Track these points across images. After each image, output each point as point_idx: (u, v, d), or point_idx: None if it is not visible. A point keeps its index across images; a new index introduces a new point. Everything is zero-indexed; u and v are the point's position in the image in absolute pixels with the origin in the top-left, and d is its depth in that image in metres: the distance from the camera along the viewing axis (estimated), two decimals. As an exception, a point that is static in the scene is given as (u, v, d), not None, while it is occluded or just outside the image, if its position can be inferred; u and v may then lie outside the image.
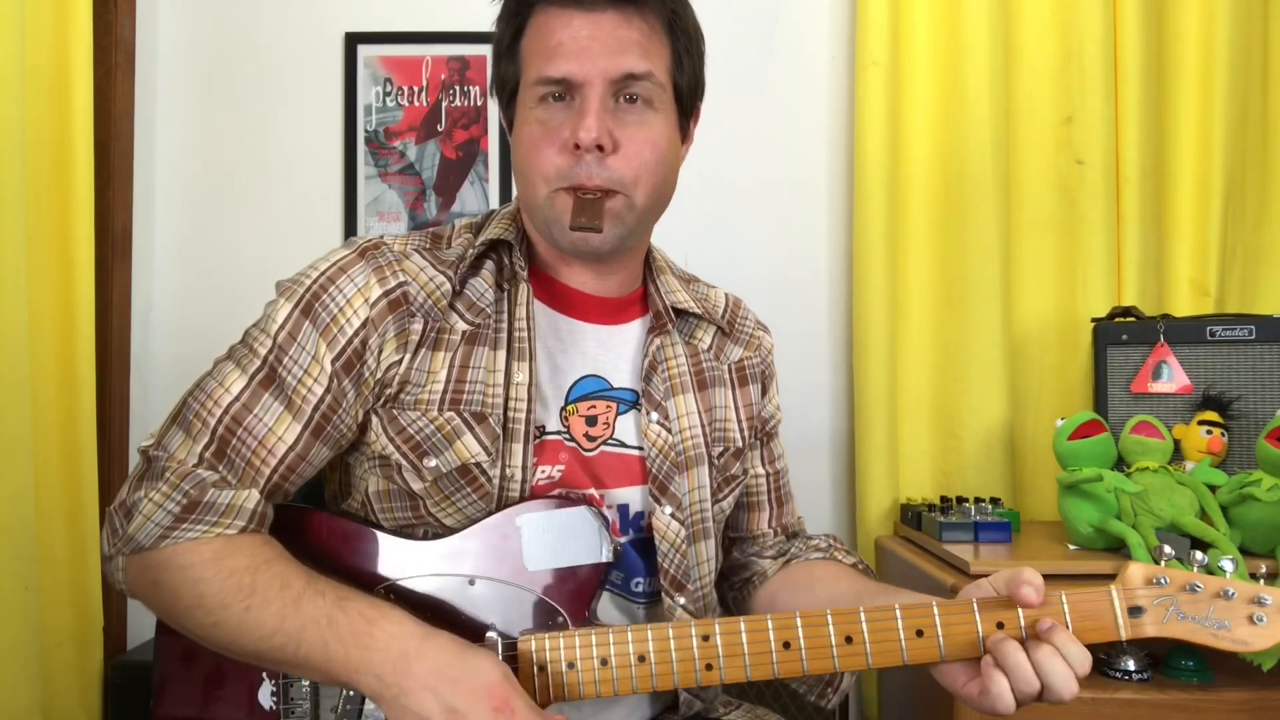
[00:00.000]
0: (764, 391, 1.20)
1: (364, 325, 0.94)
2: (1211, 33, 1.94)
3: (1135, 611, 0.88)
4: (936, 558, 1.60)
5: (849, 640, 0.88)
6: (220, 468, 0.91)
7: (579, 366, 1.05)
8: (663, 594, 1.03)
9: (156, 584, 0.89)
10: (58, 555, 1.67)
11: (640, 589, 1.05)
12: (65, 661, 1.68)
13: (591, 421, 1.03)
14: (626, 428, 1.05)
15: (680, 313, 1.12)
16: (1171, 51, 1.97)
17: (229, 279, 2.06)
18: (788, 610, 0.90)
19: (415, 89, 2.08)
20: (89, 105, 1.76)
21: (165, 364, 2.05)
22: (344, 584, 0.88)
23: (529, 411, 0.98)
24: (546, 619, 0.93)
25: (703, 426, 1.09)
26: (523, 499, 0.96)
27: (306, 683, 0.93)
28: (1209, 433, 1.66)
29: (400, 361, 0.95)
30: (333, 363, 0.93)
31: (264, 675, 0.95)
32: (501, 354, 0.99)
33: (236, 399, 0.92)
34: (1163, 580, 0.89)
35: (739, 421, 1.15)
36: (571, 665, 0.89)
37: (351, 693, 0.92)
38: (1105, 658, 1.39)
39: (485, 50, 2.07)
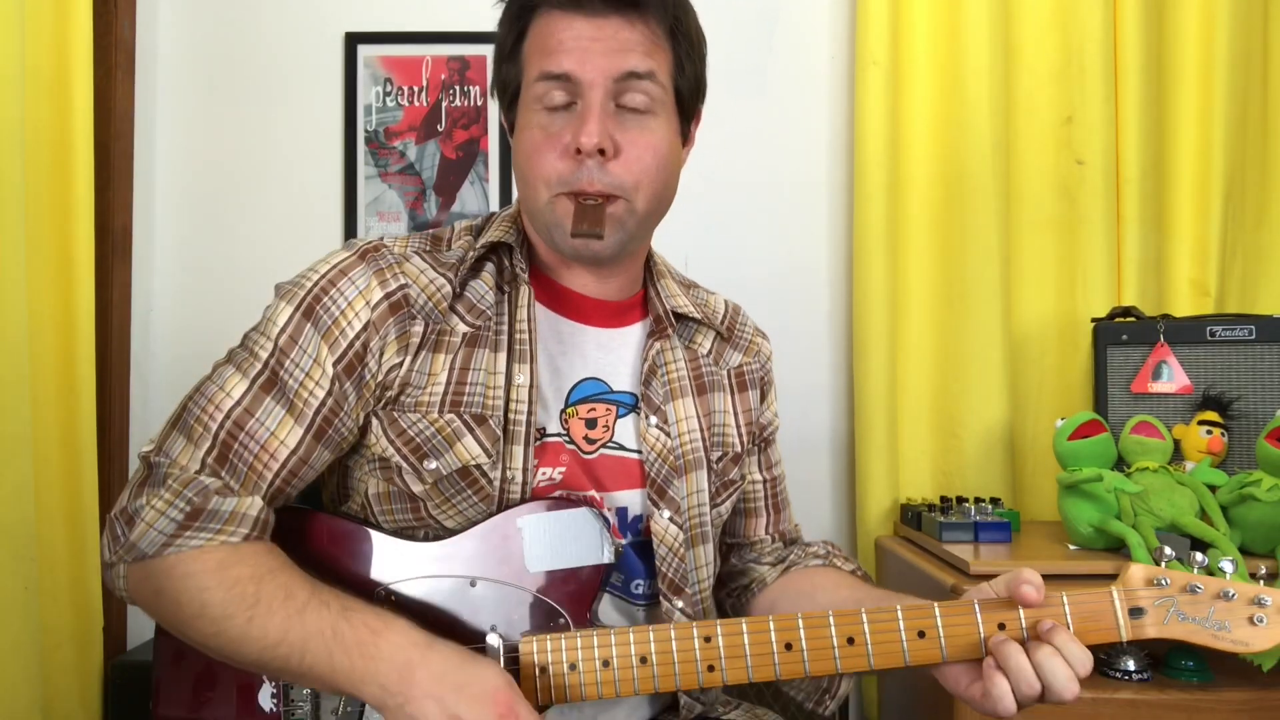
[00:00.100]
0: (762, 397, 1.20)
1: (365, 328, 0.94)
2: (1211, 33, 1.94)
3: (1136, 612, 0.89)
4: (936, 558, 1.60)
5: (851, 641, 0.88)
6: (223, 473, 0.90)
7: (579, 369, 1.05)
8: (660, 598, 1.03)
9: (159, 592, 0.88)
10: (58, 555, 1.67)
11: (640, 591, 1.05)
12: (65, 661, 1.68)
13: (591, 424, 1.03)
14: (626, 431, 1.05)
15: (680, 317, 1.12)
16: (1171, 51, 1.97)
17: (229, 279, 2.06)
18: None
19: (415, 89, 2.08)
20: (89, 105, 1.76)
21: (165, 364, 2.05)
22: (348, 594, 0.87)
23: (530, 413, 0.98)
24: (548, 620, 0.93)
25: (701, 431, 1.09)
26: (523, 501, 0.96)
27: None
28: (1209, 433, 1.66)
29: (401, 364, 0.95)
30: (334, 365, 0.93)
31: (264, 677, 0.95)
32: (502, 356, 0.99)
33: (238, 403, 0.92)
34: (1163, 581, 0.89)
35: (738, 427, 1.15)
36: (573, 666, 0.89)
37: None
38: (1105, 658, 1.39)
39: (485, 50, 2.07)
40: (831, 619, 0.89)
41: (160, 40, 2.07)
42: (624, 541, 1.03)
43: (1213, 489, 1.53)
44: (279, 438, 0.92)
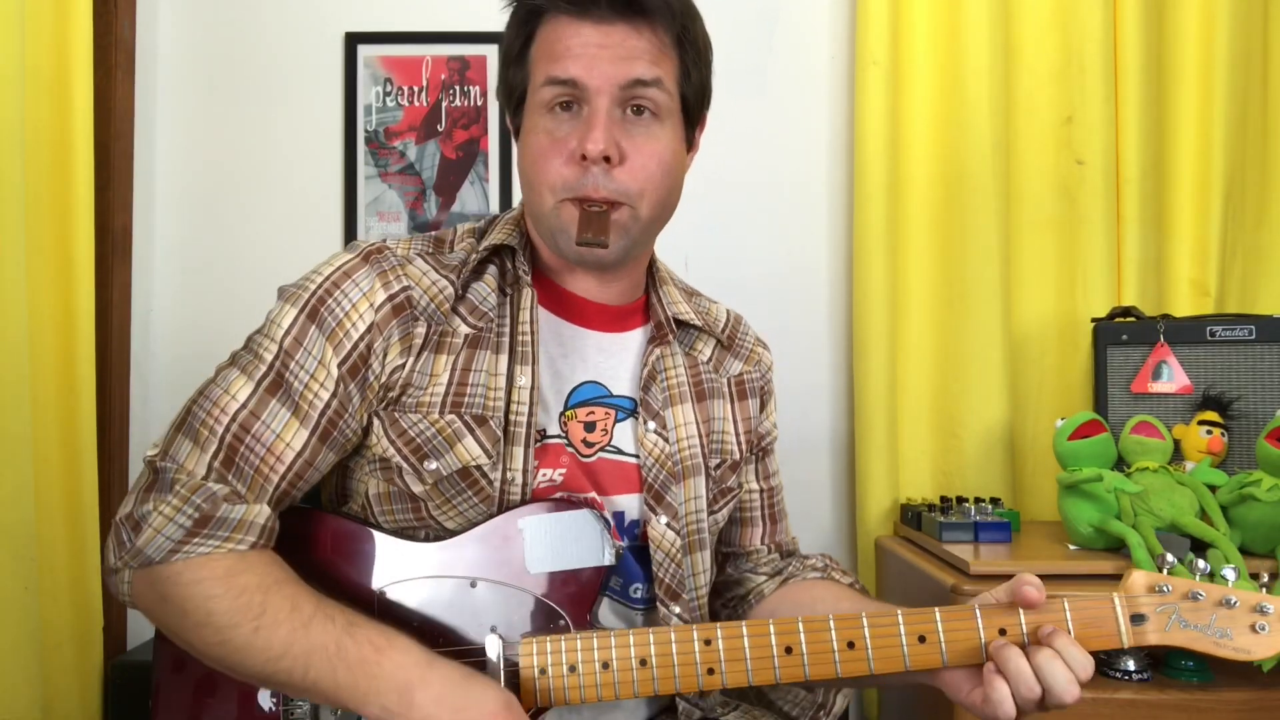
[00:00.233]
0: (762, 407, 1.20)
1: (369, 330, 0.94)
2: (1211, 33, 1.94)
3: (1137, 619, 0.89)
4: (936, 558, 1.60)
5: (851, 645, 0.89)
6: (230, 477, 0.90)
7: (580, 372, 1.05)
8: (658, 603, 1.03)
9: (164, 599, 0.88)
10: (58, 555, 1.67)
11: (639, 595, 1.05)
12: (65, 661, 1.68)
13: (590, 428, 1.04)
14: (624, 435, 1.05)
15: (681, 324, 1.13)
16: (1171, 51, 1.97)
17: (229, 279, 2.06)
18: None
19: (415, 89, 2.08)
20: (89, 105, 1.75)
21: (165, 364, 2.05)
22: (353, 609, 0.87)
23: (530, 415, 0.98)
24: (548, 622, 0.93)
25: (700, 438, 1.09)
26: (524, 502, 0.96)
27: None
28: (1209, 433, 1.66)
29: (404, 365, 0.95)
30: (339, 367, 0.93)
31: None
32: (504, 358, 0.99)
33: (244, 406, 0.92)
34: (1165, 588, 0.89)
35: (736, 435, 1.15)
36: (573, 668, 0.89)
37: None
38: (1105, 658, 1.39)
39: (485, 50, 2.07)
40: (832, 623, 0.89)
41: (160, 40, 2.07)
42: (623, 545, 1.03)
43: (1213, 489, 1.53)
44: (285, 440, 0.92)
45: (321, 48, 2.09)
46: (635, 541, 1.04)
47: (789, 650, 0.89)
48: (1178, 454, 1.68)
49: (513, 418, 0.97)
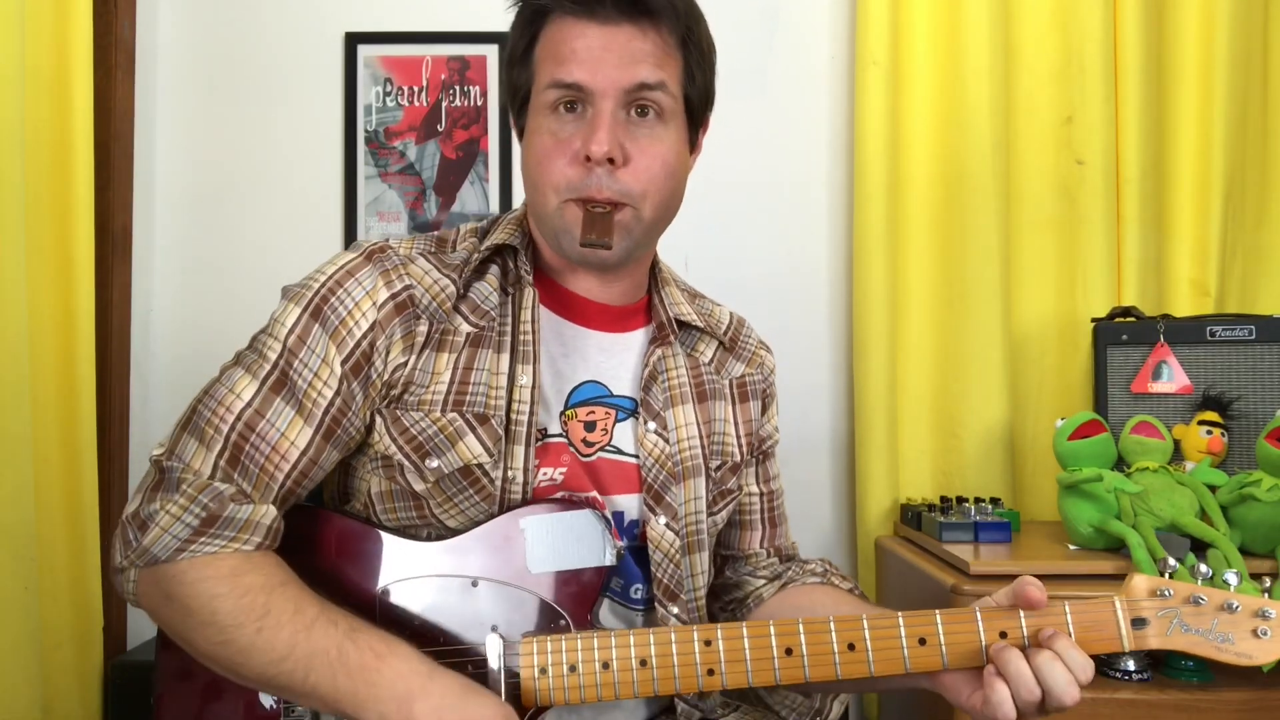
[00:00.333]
0: (764, 410, 1.20)
1: (372, 328, 0.95)
2: (1211, 33, 1.94)
3: (1139, 623, 0.89)
4: (936, 558, 1.60)
5: (852, 647, 0.89)
6: (235, 476, 0.90)
7: (580, 372, 1.05)
8: (656, 603, 1.03)
9: (169, 597, 0.88)
10: (58, 555, 1.67)
11: (639, 596, 1.05)
12: (65, 661, 1.68)
13: (590, 427, 1.04)
14: (624, 435, 1.05)
15: (683, 325, 1.13)
16: (1171, 51, 1.97)
17: (229, 279, 2.06)
18: None
19: (415, 89, 2.08)
20: (89, 105, 1.75)
21: (165, 364, 2.05)
22: (355, 615, 0.87)
23: (531, 414, 0.98)
24: (549, 621, 0.93)
25: (701, 439, 1.09)
26: (525, 501, 0.97)
27: None
28: (1209, 433, 1.66)
29: (406, 363, 0.96)
30: (342, 365, 0.94)
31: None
32: (505, 357, 0.99)
33: (249, 405, 0.92)
34: (1166, 592, 0.89)
35: (737, 437, 1.15)
36: (573, 668, 0.89)
37: None
38: (1105, 658, 1.39)
39: (485, 50, 2.07)
40: (832, 624, 0.89)
41: (160, 40, 2.07)
42: (622, 544, 1.03)
43: (1213, 489, 1.53)
44: (289, 439, 0.92)
45: (321, 48, 2.08)
46: (634, 542, 1.05)
47: (789, 652, 0.89)
48: (1178, 454, 1.68)
49: (514, 416, 0.98)
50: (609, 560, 0.95)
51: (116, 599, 1.87)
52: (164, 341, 2.06)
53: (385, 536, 0.96)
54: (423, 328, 0.97)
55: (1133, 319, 1.81)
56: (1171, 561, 0.93)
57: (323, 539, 0.96)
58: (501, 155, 2.09)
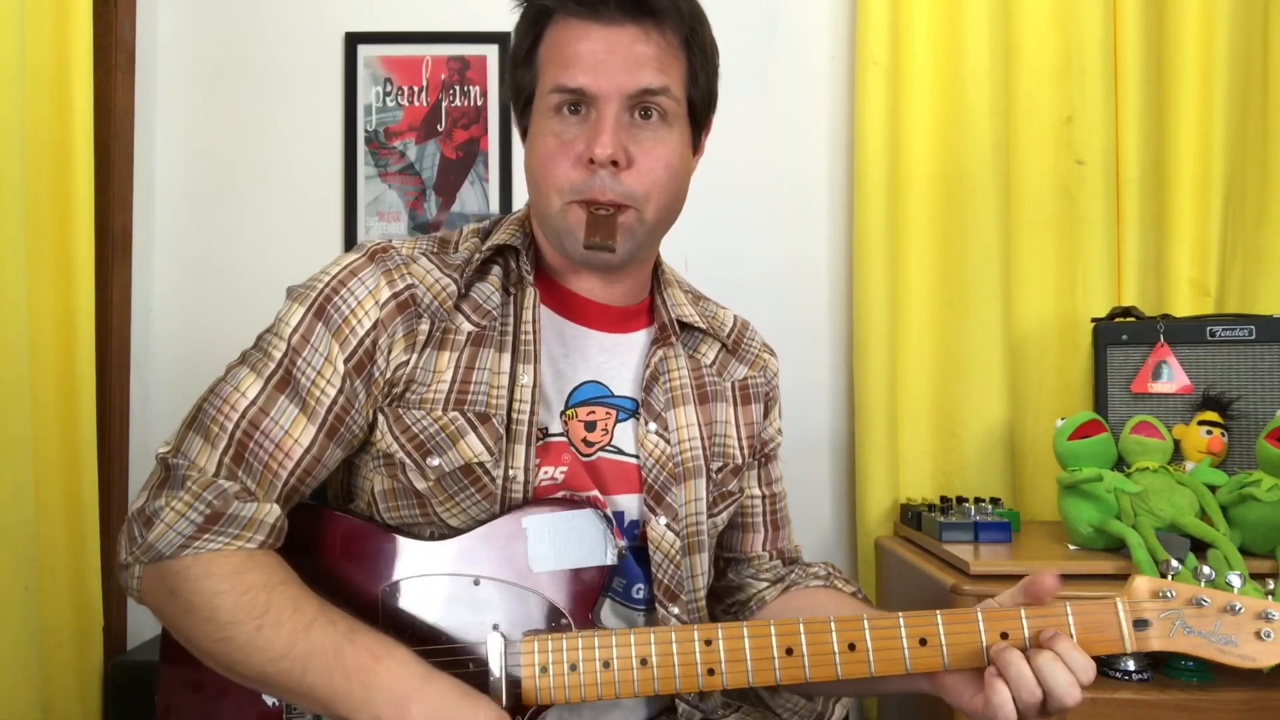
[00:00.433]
0: (766, 413, 1.20)
1: (374, 326, 0.96)
2: (1211, 33, 1.94)
3: (1140, 624, 0.89)
4: (936, 558, 1.60)
5: (852, 648, 0.88)
6: (240, 473, 0.91)
7: (581, 372, 1.06)
8: (656, 604, 1.03)
9: (172, 593, 0.88)
10: (58, 555, 1.67)
11: (641, 596, 1.05)
12: (65, 661, 1.68)
13: (590, 427, 1.04)
14: (625, 436, 1.05)
15: (685, 327, 1.13)
16: (1171, 51, 1.97)
17: (229, 279, 2.06)
18: None
19: (415, 89, 2.08)
20: (89, 105, 1.75)
21: (165, 364, 2.05)
22: (354, 616, 0.88)
23: (532, 413, 0.98)
24: (551, 620, 0.93)
25: (702, 440, 1.09)
26: (526, 499, 0.97)
27: None
28: (1209, 433, 1.66)
29: (408, 361, 0.97)
30: (345, 363, 0.95)
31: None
32: (506, 356, 1.00)
33: (253, 403, 0.93)
34: (1169, 594, 0.89)
35: (739, 439, 1.15)
36: (574, 667, 0.89)
37: None
38: (1105, 658, 1.39)
39: (485, 50, 2.07)
40: (833, 624, 0.89)
41: (160, 40, 2.07)
42: (624, 544, 1.03)
43: (1213, 489, 1.53)
44: (293, 436, 0.93)
45: (321, 48, 2.09)
46: (634, 542, 1.05)
47: (790, 651, 0.88)
48: (1178, 454, 1.68)
49: (515, 415, 0.98)
50: (610, 560, 0.95)
51: (116, 599, 1.87)
52: (164, 341, 2.06)
53: (388, 535, 0.97)
54: (424, 326, 0.98)
55: (1133, 319, 1.81)
56: (1174, 563, 0.93)
57: (327, 538, 0.97)
58: (501, 155, 2.09)
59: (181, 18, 2.08)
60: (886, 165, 1.97)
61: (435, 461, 0.96)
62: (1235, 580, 0.91)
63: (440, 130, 2.09)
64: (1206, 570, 0.91)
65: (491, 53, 2.08)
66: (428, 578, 0.94)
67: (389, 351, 0.96)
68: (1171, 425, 1.69)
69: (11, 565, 1.50)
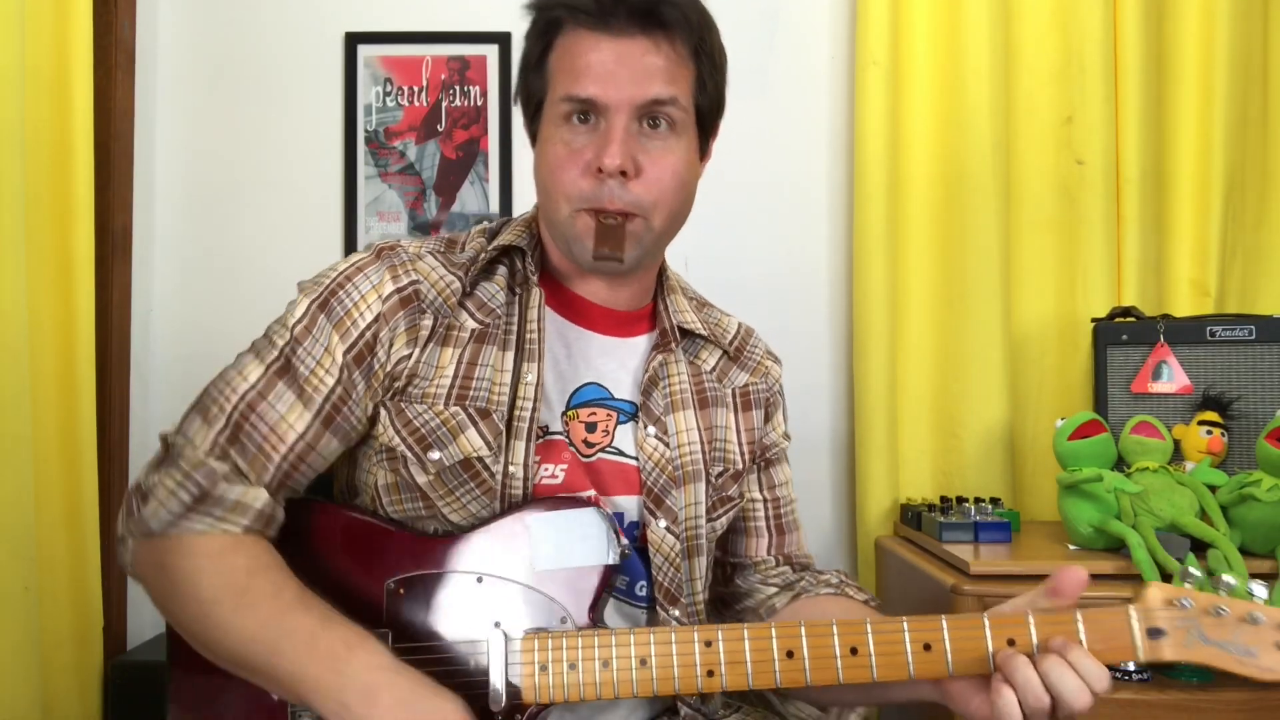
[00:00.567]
0: (767, 418, 1.20)
1: (376, 320, 0.98)
2: (1211, 33, 1.94)
3: (1155, 633, 0.86)
4: (936, 558, 1.60)
5: (854, 651, 0.87)
6: (233, 453, 0.93)
7: (583, 373, 1.06)
8: (657, 606, 1.03)
9: (161, 568, 0.91)
10: (58, 555, 1.67)
11: (644, 593, 1.05)
12: (65, 661, 1.68)
13: (591, 428, 1.05)
14: (625, 438, 1.06)
15: (686, 333, 1.14)
16: (1171, 51, 1.97)
17: (229, 279, 2.06)
18: None
19: (415, 89, 2.08)
20: (89, 105, 1.75)
21: (165, 364, 2.05)
22: (331, 605, 0.88)
23: (534, 411, 0.99)
24: (552, 619, 0.93)
25: (702, 444, 1.10)
26: (525, 496, 0.97)
27: None
28: (1209, 433, 1.66)
29: (410, 356, 0.98)
30: (344, 355, 0.96)
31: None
32: (510, 354, 1.01)
33: (253, 387, 0.95)
34: (1185, 603, 0.86)
35: (740, 444, 1.15)
36: (573, 666, 0.89)
37: None
38: (1106, 658, 1.39)
39: (485, 50, 2.07)
40: (835, 628, 0.88)
41: (160, 40, 2.07)
42: (628, 545, 1.03)
43: (1213, 489, 1.53)
44: (288, 422, 0.94)
45: (321, 48, 2.08)
46: (634, 543, 1.05)
47: (790, 654, 0.87)
48: (1178, 454, 1.68)
49: (517, 412, 0.99)
50: (612, 559, 0.95)
51: (116, 599, 1.87)
52: (164, 341, 2.06)
53: (394, 531, 0.98)
54: (427, 322, 0.99)
55: (1133, 319, 1.81)
56: (1193, 571, 0.89)
57: (332, 534, 0.98)
58: (501, 155, 2.08)
59: (181, 18, 2.08)
60: (886, 165, 1.97)
61: (435, 455, 0.97)
62: (1259, 590, 0.87)
63: (440, 130, 2.09)
64: (1228, 579, 0.88)
65: (491, 53, 2.08)
66: (432, 574, 0.95)
67: (390, 345, 0.98)
68: (1171, 425, 1.69)
69: (11, 565, 1.50)
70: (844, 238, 2.08)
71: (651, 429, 1.06)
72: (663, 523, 1.04)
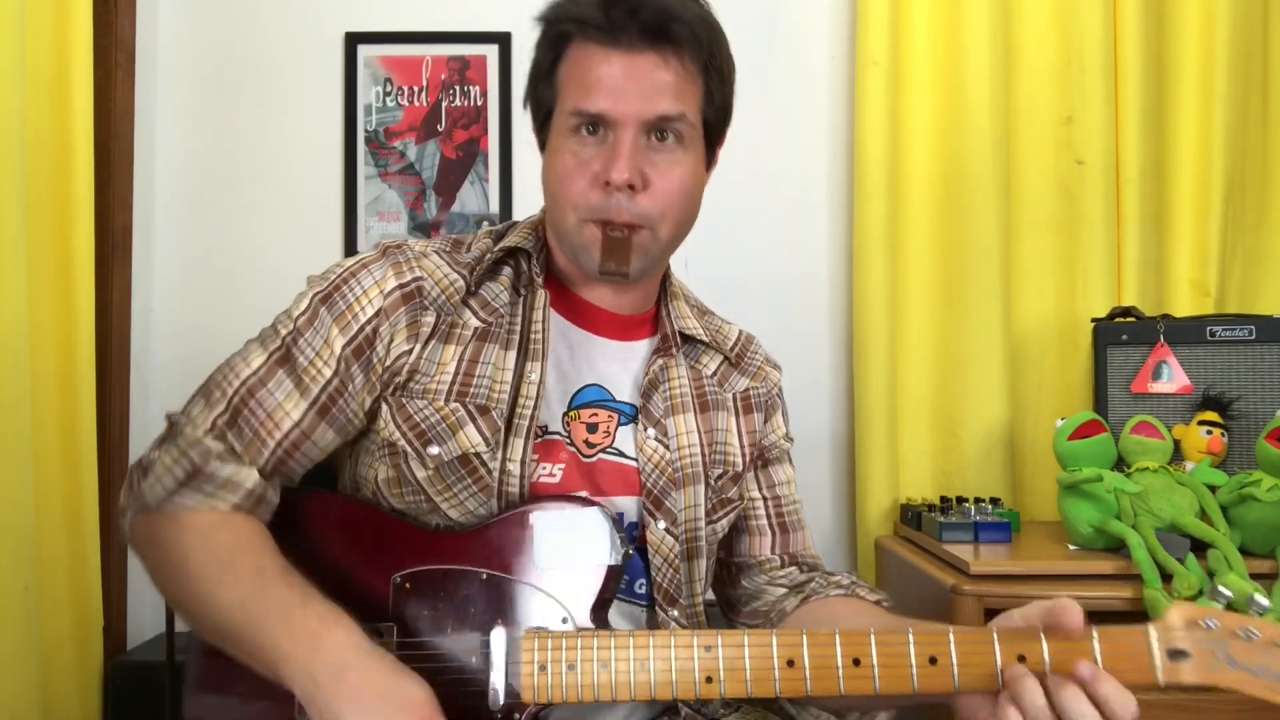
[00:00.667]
0: (766, 419, 1.20)
1: (377, 314, 1.00)
2: (1211, 33, 1.94)
3: (1176, 655, 0.81)
4: (936, 558, 1.60)
5: (857, 663, 0.84)
6: (230, 435, 0.96)
7: (585, 375, 1.07)
8: (656, 607, 1.04)
9: (154, 541, 0.95)
10: (58, 555, 1.67)
11: (643, 591, 1.06)
12: (65, 661, 1.68)
13: (592, 429, 1.05)
14: (626, 439, 1.06)
15: (687, 339, 1.14)
16: (1171, 51, 1.97)
17: (229, 278, 2.06)
18: None
19: (415, 89, 2.08)
20: (89, 105, 1.75)
21: (165, 364, 2.05)
22: (310, 584, 0.90)
23: (535, 409, 1.00)
24: (554, 618, 0.93)
25: (702, 447, 1.10)
26: (522, 494, 0.98)
27: None
28: (1209, 433, 1.66)
29: (410, 351, 1.00)
30: (343, 347, 0.99)
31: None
32: (512, 353, 1.02)
33: (254, 373, 0.98)
34: (1210, 623, 0.81)
35: (741, 447, 1.15)
36: (572, 667, 0.88)
37: None
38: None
39: (485, 50, 2.07)
40: (838, 638, 0.85)
41: (160, 40, 2.07)
42: (631, 548, 1.03)
43: (1213, 489, 1.53)
44: (285, 409, 0.97)
45: (321, 48, 2.08)
46: (633, 544, 1.05)
47: (791, 664, 0.85)
48: (1178, 454, 1.68)
49: (519, 410, 1.00)
50: (614, 560, 0.95)
51: (116, 599, 1.87)
52: (164, 341, 2.06)
53: (400, 526, 0.99)
54: (429, 318, 1.01)
55: (1133, 319, 1.81)
56: (1224, 590, 0.83)
57: (341, 526, 1.00)
58: (501, 155, 2.08)
59: (181, 18, 2.08)
60: (886, 165, 1.97)
61: (435, 450, 0.98)
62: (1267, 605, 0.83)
63: (440, 130, 2.09)
64: (1261, 600, 0.85)
65: (491, 53, 2.08)
66: (438, 570, 0.95)
67: (390, 340, 0.99)
68: (1171, 425, 1.68)
69: (11, 565, 1.50)
70: (844, 238, 2.08)
71: (651, 431, 1.07)
72: (662, 524, 1.04)
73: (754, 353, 1.22)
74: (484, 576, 0.94)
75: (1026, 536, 1.69)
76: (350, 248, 2.06)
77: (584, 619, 0.94)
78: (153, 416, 2.00)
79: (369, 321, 0.99)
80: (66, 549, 1.69)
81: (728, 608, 1.20)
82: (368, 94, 2.08)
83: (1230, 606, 0.85)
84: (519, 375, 1.01)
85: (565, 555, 0.95)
